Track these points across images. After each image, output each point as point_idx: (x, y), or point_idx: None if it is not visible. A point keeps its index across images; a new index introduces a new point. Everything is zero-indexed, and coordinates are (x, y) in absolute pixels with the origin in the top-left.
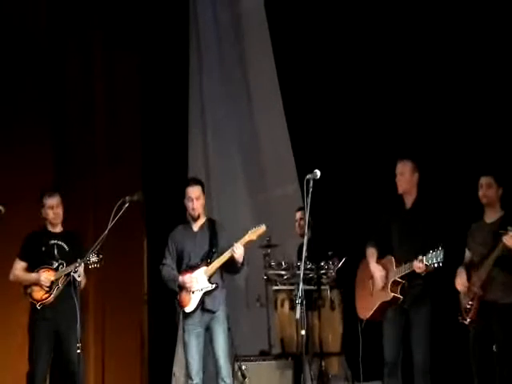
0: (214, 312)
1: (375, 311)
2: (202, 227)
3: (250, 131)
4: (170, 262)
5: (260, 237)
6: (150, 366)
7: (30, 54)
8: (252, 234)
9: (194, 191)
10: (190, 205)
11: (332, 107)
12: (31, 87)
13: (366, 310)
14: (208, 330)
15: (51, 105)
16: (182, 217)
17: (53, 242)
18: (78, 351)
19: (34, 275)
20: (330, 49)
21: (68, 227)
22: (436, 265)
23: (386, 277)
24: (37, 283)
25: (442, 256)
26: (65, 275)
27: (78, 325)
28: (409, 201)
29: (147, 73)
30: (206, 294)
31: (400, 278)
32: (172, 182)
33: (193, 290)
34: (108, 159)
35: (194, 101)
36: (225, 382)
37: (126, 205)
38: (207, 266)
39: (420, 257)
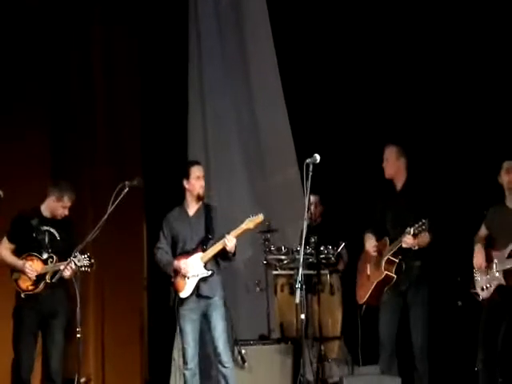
0: (210, 298)
1: (371, 293)
2: (197, 212)
3: (250, 116)
4: (164, 246)
5: (257, 226)
6: (149, 351)
7: (26, 33)
8: (249, 223)
9: (201, 170)
10: (198, 183)
11: (332, 92)
12: (28, 68)
13: (363, 294)
14: (206, 317)
15: (50, 86)
16: (181, 202)
17: (45, 228)
18: (78, 335)
19: (20, 262)
20: (329, 34)
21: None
22: (421, 230)
23: (380, 254)
24: (23, 271)
25: (426, 226)
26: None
27: (78, 309)
28: (399, 184)
29: (147, 58)
30: (202, 280)
31: (394, 256)
32: (171, 168)
33: (188, 275)
34: (107, 144)
35: (194, 85)
36: (225, 367)
37: (126, 190)
38: (203, 251)
39: (407, 229)
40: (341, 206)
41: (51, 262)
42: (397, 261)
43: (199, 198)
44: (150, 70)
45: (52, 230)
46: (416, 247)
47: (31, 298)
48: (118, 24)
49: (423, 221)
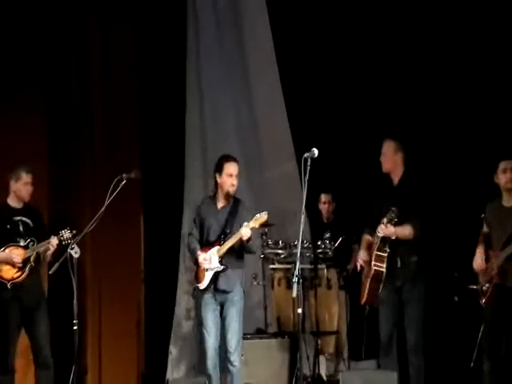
0: (228, 292)
1: (368, 292)
2: (225, 205)
3: (248, 114)
4: (195, 233)
5: (261, 225)
6: (146, 343)
7: (25, 32)
8: (254, 222)
9: (236, 168)
10: (229, 181)
11: (330, 87)
12: (25, 60)
13: (362, 294)
14: (222, 310)
15: (48, 86)
16: (179, 195)
17: (17, 218)
18: (75, 327)
19: (2, 254)
20: (327, 30)
21: (66, 205)
22: (391, 218)
23: (371, 257)
24: (7, 262)
25: (395, 213)
26: (36, 252)
27: (75, 301)
28: (395, 179)
29: (144, 57)
30: (218, 273)
31: (381, 251)
32: (169, 160)
33: (206, 268)
34: (106, 143)
35: (192, 83)
36: (233, 366)
37: (124, 182)
38: (220, 245)
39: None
40: (353, 202)
41: (32, 246)
42: (385, 255)
43: (228, 196)
44: (148, 70)
45: (25, 219)
46: (394, 237)
47: (16, 287)
48: (115, 24)
49: (393, 209)
